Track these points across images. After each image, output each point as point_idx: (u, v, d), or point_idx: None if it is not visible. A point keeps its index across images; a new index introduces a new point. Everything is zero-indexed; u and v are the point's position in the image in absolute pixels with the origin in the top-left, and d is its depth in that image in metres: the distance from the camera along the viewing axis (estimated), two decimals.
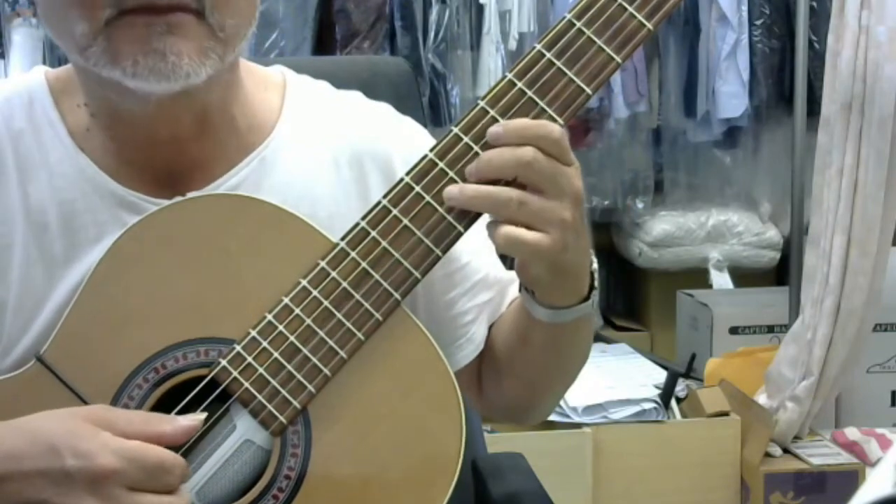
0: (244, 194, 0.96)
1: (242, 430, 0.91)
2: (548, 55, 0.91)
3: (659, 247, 3.11)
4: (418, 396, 0.91)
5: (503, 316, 1.09)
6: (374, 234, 0.91)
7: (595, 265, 0.98)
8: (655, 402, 2.49)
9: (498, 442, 1.97)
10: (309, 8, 2.79)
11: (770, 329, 2.96)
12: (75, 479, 0.83)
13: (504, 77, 0.91)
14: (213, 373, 0.90)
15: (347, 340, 0.90)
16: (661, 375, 2.60)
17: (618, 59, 0.91)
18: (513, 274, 1.04)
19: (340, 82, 1.11)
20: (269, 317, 0.91)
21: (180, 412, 0.90)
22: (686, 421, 2.54)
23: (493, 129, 0.89)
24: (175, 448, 0.86)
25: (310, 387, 0.90)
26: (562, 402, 2.39)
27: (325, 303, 0.90)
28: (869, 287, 2.49)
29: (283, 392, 0.90)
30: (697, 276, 3.11)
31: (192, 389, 0.90)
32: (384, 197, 0.91)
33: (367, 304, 0.90)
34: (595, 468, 2.44)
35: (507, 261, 1.01)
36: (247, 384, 0.90)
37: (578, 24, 0.91)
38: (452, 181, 0.90)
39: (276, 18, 2.76)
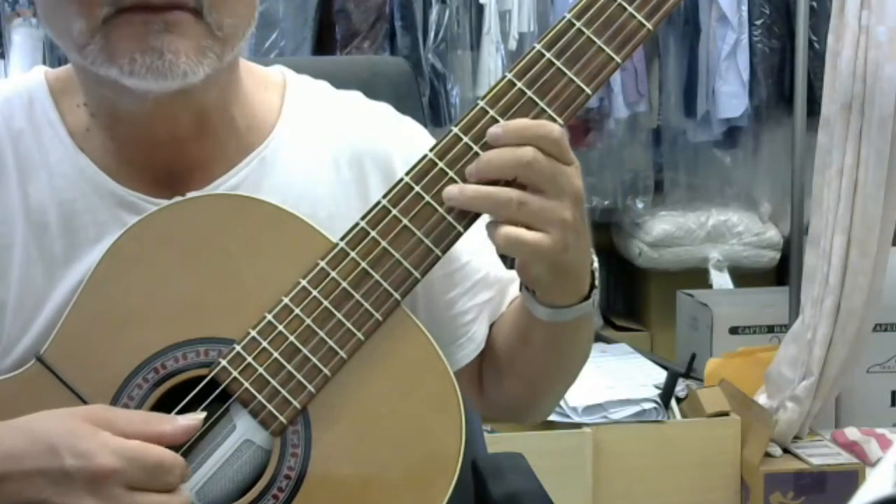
0: (244, 194, 0.96)
1: (242, 430, 0.91)
2: (547, 55, 0.91)
3: (659, 247, 3.11)
4: (418, 396, 0.91)
5: (504, 315, 1.09)
6: (373, 234, 0.91)
7: (596, 264, 0.98)
8: (655, 402, 2.49)
9: (498, 442, 1.97)
10: (309, 8, 2.79)
11: (770, 329, 2.96)
12: (75, 478, 0.83)
13: (504, 77, 0.91)
14: (212, 373, 0.90)
15: (347, 340, 0.90)
16: (661, 375, 2.59)
17: (617, 59, 0.91)
18: (513, 273, 1.04)
19: (340, 82, 1.11)
20: (269, 317, 0.91)
21: (180, 412, 0.90)
22: (686, 421, 2.54)
23: (493, 130, 0.89)
24: (175, 448, 0.86)
25: (310, 387, 0.90)
26: (562, 402, 2.39)
27: (325, 303, 0.90)
28: (869, 287, 2.49)
29: (283, 392, 0.90)
30: (697, 276, 3.11)
31: (192, 389, 0.90)
32: (384, 197, 0.91)
33: (366, 304, 0.90)
34: (595, 468, 2.44)
35: (508, 260, 1.01)
36: (247, 384, 0.90)
37: (578, 24, 0.91)
38: (452, 181, 0.90)
39: (276, 18, 2.76)
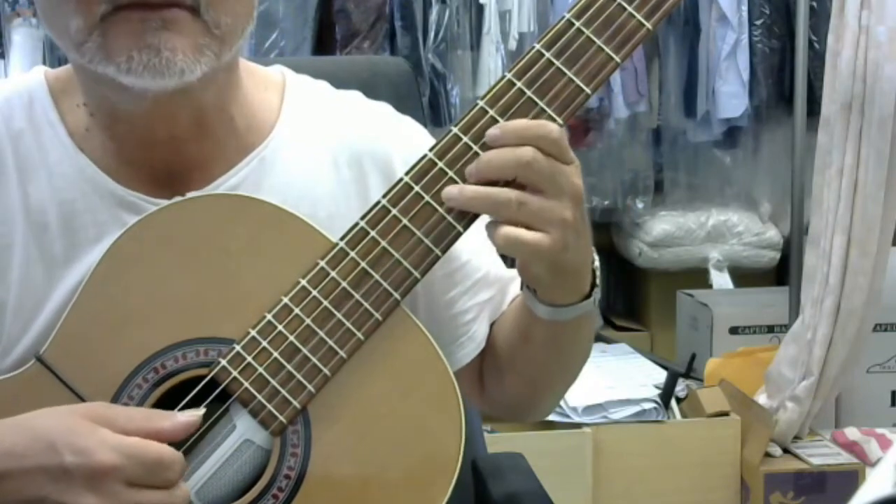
0: (244, 194, 0.96)
1: (242, 430, 0.91)
2: (547, 55, 0.91)
3: (659, 247, 3.11)
4: (418, 396, 0.91)
5: (504, 314, 1.09)
6: (373, 233, 0.91)
7: (597, 263, 0.98)
8: (655, 402, 2.49)
9: (498, 442, 1.97)
10: (309, 8, 2.79)
11: (770, 329, 2.96)
12: (74, 475, 0.83)
13: (503, 77, 0.91)
14: (212, 372, 0.90)
15: (347, 340, 0.90)
16: (661, 375, 2.59)
17: (617, 58, 0.91)
18: (514, 272, 1.04)
19: (340, 82, 1.11)
20: (269, 316, 0.91)
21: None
22: (686, 421, 2.54)
23: (492, 131, 0.89)
24: (175, 446, 0.86)
25: (309, 386, 0.90)
26: (562, 402, 2.39)
27: (325, 302, 0.90)
28: (869, 287, 2.49)
29: (283, 392, 0.90)
30: (697, 276, 3.11)
31: (192, 389, 0.90)
32: (383, 197, 0.91)
33: (366, 304, 0.90)
34: (595, 468, 2.44)
35: (509, 259, 1.01)
36: (246, 384, 0.90)
37: (577, 24, 0.91)
38: (452, 181, 0.90)
39: (276, 18, 2.76)
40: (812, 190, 2.56)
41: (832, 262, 2.49)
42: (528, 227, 0.88)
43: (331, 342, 0.90)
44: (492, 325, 1.09)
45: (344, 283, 0.91)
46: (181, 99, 0.94)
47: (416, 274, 0.91)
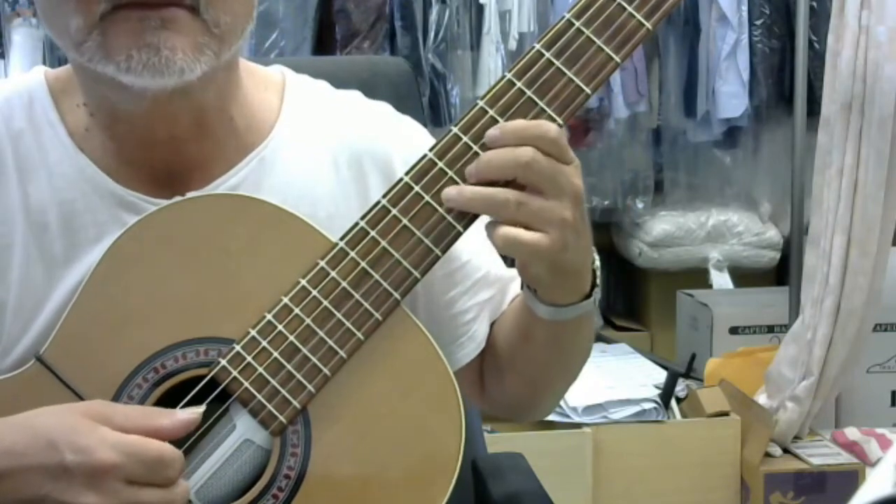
0: (244, 194, 0.97)
1: (242, 430, 0.91)
2: (547, 55, 0.91)
3: (659, 247, 3.11)
4: (418, 396, 0.91)
5: (505, 313, 1.09)
6: (373, 233, 0.91)
7: (597, 263, 0.98)
8: (655, 402, 2.49)
9: (498, 442, 1.97)
10: (309, 8, 2.79)
11: (770, 329, 2.96)
12: (74, 474, 0.83)
13: (503, 77, 0.91)
14: (212, 372, 0.90)
15: (347, 340, 0.90)
16: (661, 375, 2.59)
17: (617, 58, 0.91)
18: (514, 271, 1.04)
19: (340, 82, 1.11)
20: (269, 316, 0.91)
21: None
22: (686, 421, 2.54)
23: (491, 132, 0.89)
24: (175, 446, 0.86)
25: (309, 386, 0.90)
26: (562, 402, 2.39)
27: (325, 302, 0.90)
28: (869, 287, 2.49)
29: (283, 392, 0.90)
30: (697, 276, 3.11)
31: (192, 389, 0.90)
32: (383, 196, 0.91)
33: (366, 304, 0.90)
34: (595, 468, 2.44)
35: (509, 258, 1.01)
36: (246, 384, 0.90)
37: (577, 24, 0.91)
38: (452, 181, 0.90)
39: (276, 18, 2.76)
40: (812, 190, 2.56)
41: (832, 262, 2.49)
42: (528, 228, 0.88)
43: (331, 342, 0.90)
44: (492, 325, 1.09)
45: (344, 283, 0.91)
46: (181, 99, 0.94)
47: (416, 274, 0.91)
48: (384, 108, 1.10)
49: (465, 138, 0.90)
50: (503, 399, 1.11)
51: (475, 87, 2.82)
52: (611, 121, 2.97)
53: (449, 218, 0.90)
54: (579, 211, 0.90)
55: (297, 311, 0.90)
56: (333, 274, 0.91)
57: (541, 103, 0.90)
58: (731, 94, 2.91)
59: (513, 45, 2.81)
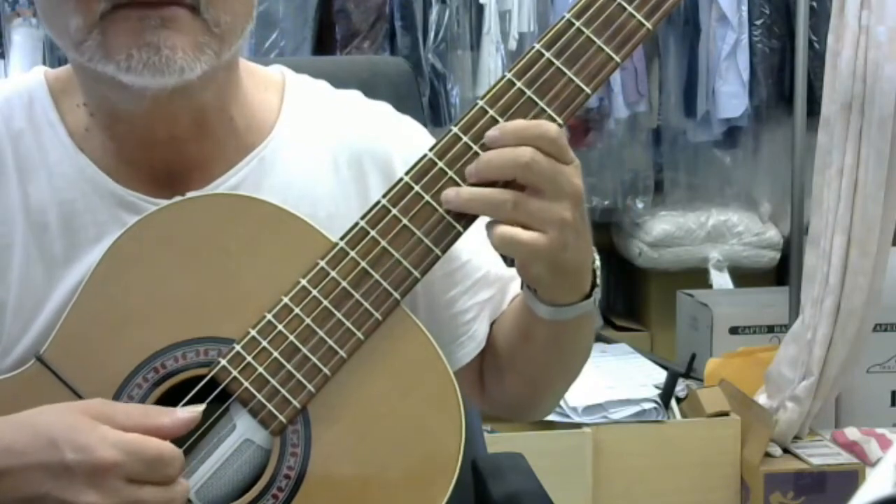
0: (244, 194, 0.97)
1: (242, 430, 0.91)
2: (547, 55, 0.91)
3: (659, 247, 3.11)
4: (418, 396, 0.91)
5: (505, 313, 1.09)
6: (373, 233, 0.91)
7: (598, 262, 0.98)
8: (655, 402, 2.49)
9: (498, 442, 1.97)
10: (309, 8, 2.79)
11: (770, 329, 2.96)
12: (75, 472, 0.83)
13: (503, 77, 0.91)
14: (212, 372, 0.90)
15: (347, 340, 0.90)
16: (661, 375, 2.59)
17: (617, 58, 0.91)
18: (514, 271, 1.04)
19: (340, 82, 1.11)
20: (269, 316, 0.91)
21: None
22: (686, 421, 2.54)
23: (491, 133, 0.89)
24: (175, 444, 0.86)
25: (309, 386, 0.90)
26: (562, 402, 2.39)
27: (325, 302, 0.90)
28: (869, 287, 2.49)
29: (283, 391, 0.90)
30: (697, 276, 3.11)
31: (192, 389, 0.90)
32: (383, 196, 0.91)
33: (366, 304, 0.90)
34: (595, 468, 2.44)
35: (509, 258, 1.01)
36: (246, 383, 0.90)
37: (577, 24, 0.91)
38: (452, 180, 0.90)
39: (276, 18, 2.76)
40: (812, 190, 2.56)
41: (832, 262, 2.49)
42: (527, 227, 0.88)
43: (331, 342, 0.90)
44: (492, 325, 1.09)
45: (344, 283, 0.91)
46: (181, 98, 0.94)
47: (416, 274, 0.91)
48: (384, 108, 1.10)
49: (465, 138, 0.90)
50: (503, 399, 1.11)
51: (475, 87, 2.82)
52: (611, 121, 2.97)
53: (449, 218, 0.90)
54: (579, 211, 0.90)
55: (297, 310, 0.90)
56: (333, 274, 0.91)
57: (541, 103, 0.90)
58: (731, 94, 2.91)
59: (513, 45, 2.81)
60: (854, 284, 2.48)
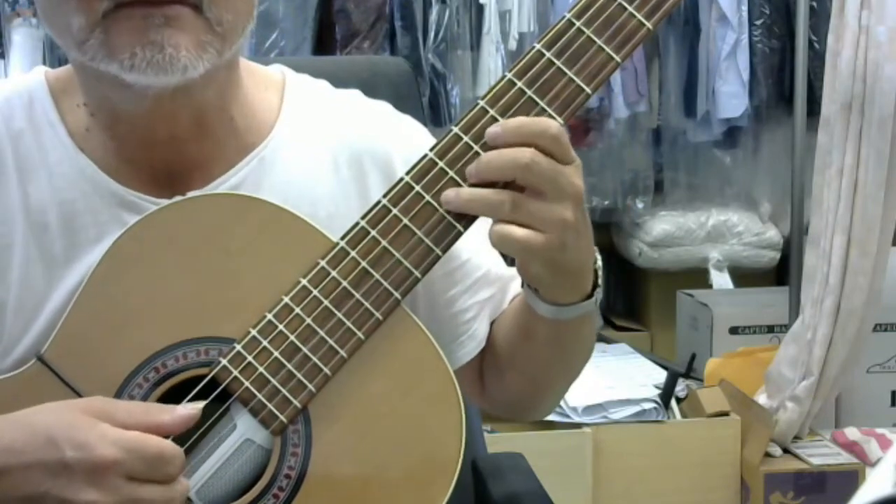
0: (244, 194, 0.97)
1: (243, 430, 0.91)
2: (547, 55, 0.91)
3: (659, 247, 3.11)
4: (418, 395, 0.91)
5: (505, 312, 1.09)
6: (373, 233, 0.91)
7: (599, 263, 0.98)
8: (655, 402, 2.49)
9: (498, 442, 1.97)
10: (309, 8, 2.79)
11: (770, 329, 2.96)
12: (75, 470, 0.83)
13: (504, 76, 0.91)
14: (213, 372, 0.90)
15: (347, 340, 0.90)
16: (661, 375, 2.60)
17: (617, 58, 0.91)
18: (514, 270, 1.04)
19: (340, 82, 1.11)
20: (269, 316, 0.91)
21: None
22: (686, 421, 2.54)
23: (491, 130, 0.89)
24: (176, 443, 0.86)
25: (310, 386, 0.90)
26: (562, 402, 2.39)
27: (325, 302, 0.91)
28: (869, 287, 2.49)
29: (284, 391, 0.90)
30: (697, 276, 3.11)
31: (193, 389, 0.90)
32: (384, 196, 0.91)
33: (367, 304, 0.90)
34: (595, 468, 2.44)
35: (510, 258, 1.01)
36: (247, 383, 0.90)
37: (578, 24, 0.91)
38: (452, 180, 0.90)
39: (276, 18, 2.76)
40: (812, 190, 2.56)
41: (832, 262, 2.49)
42: (527, 227, 0.88)
43: (331, 342, 0.90)
44: (492, 324, 1.09)
45: (344, 283, 0.91)
46: (182, 98, 0.94)
47: (417, 273, 0.91)
48: (384, 108, 1.10)
49: (465, 138, 0.90)
50: (503, 398, 1.11)
51: (475, 87, 2.82)
52: (611, 121, 2.97)
53: (449, 218, 0.90)
54: (580, 211, 0.90)
55: (297, 310, 0.91)
56: (334, 273, 0.91)
57: (541, 103, 0.90)
58: (731, 94, 2.92)
59: (513, 45, 2.81)
60: (854, 284, 2.48)
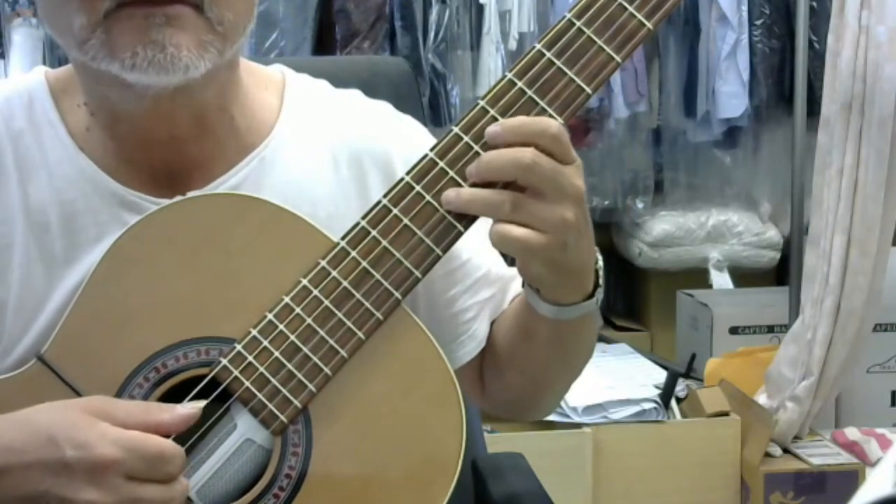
0: (245, 194, 0.97)
1: (243, 430, 0.91)
2: (548, 55, 0.91)
3: (659, 247, 3.11)
4: (418, 395, 0.91)
5: (505, 312, 1.09)
6: (374, 233, 0.91)
7: (600, 263, 0.98)
8: (655, 402, 2.49)
9: (498, 442, 1.97)
10: (309, 8, 2.79)
11: (770, 329, 2.96)
12: (75, 469, 0.83)
13: (504, 77, 0.91)
14: (213, 372, 0.90)
15: (348, 340, 0.90)
16: (661, 375, 2.60)
17: (617, 58, 0.91)
18: (515, 270, 1.04)
19: (340, 82, 1.11)
20: (270, 316, 0.91)
21: None
22: (686, 421, 2.54)
23: (492, 129, 0.89)
24: (176, 443, 0.86)
25: (310, 386, 0.90)
26: (562, 402, 2.39)
27: (326, 302, 0.91)
28: (869, 287, 2.49)
29: (284, 391, 0.90)
30: (697, 276, 3.11)
31: (193, 389, 0.90)
32: (384, 196, 0.91)
33: (367, 304, 0.90)
34: (595, 468, 2.44)
35: (510, 258, 1.01)
36: (247, 383, 0.90)
37: (578, 24, 0.91)
38: (452, 180, 0.90)
39: (276, 18, 2.76)
40: (812, 190, 2.56)
41: (832, 262, 2.49)
42: (527, 228, 0.88)
43: (332, 342, 0.90)
44: (492, 324, 1.09)
45: (345, 283, 0.91)
46: (182, 98, 0.94)
47: (417, 273, 0.91)
48: (384, 108, 1.10)
49: (466, 138, 0.90)
50: (504, 398, 1.11)
51: (475, 87, 2.82)
52: (611, 121, 2.97)
53: (450, 218, 0.90)
54: (581, 211, 0.90)
55: (298, 310, 0.91)
56: (334, 273, 0.91)
57: (542, 103, 0.90)
58: (731, 94, 2.92)
59: (513, 45, 2.81)
60: (854, 284, 2.48)
